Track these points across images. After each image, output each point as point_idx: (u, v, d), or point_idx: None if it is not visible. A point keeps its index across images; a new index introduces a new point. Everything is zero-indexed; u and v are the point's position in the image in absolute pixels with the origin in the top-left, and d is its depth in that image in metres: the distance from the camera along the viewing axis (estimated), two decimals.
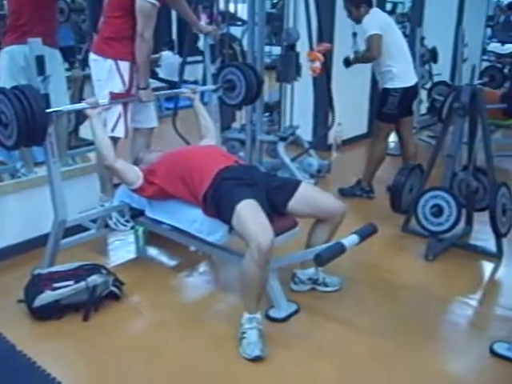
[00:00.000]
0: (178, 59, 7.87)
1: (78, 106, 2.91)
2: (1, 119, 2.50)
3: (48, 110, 2.57)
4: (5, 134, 2.54)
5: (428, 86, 6.44)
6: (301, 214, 2.81)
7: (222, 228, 2.71)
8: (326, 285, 3.01)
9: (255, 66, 4.00)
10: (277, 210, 2.73)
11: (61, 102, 3.14)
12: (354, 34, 4.45)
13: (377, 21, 4.03)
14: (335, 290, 3.01)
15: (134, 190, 3.01)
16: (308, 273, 2.98)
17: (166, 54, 8.15)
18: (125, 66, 3.07)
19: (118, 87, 3.08)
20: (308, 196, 2.76)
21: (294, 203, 2.72)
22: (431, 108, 6.26)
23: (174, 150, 3.12)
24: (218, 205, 2.63)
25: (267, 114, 5.04)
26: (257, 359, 2.40)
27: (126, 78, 3.08)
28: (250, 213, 2.48)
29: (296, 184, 2.79)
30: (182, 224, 2.94)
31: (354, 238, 2.45)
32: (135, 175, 2.96)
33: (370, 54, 4.05)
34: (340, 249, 2.35)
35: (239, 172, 2.78)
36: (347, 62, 4.36)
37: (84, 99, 3.64)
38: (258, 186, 2.71)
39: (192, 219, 2.86)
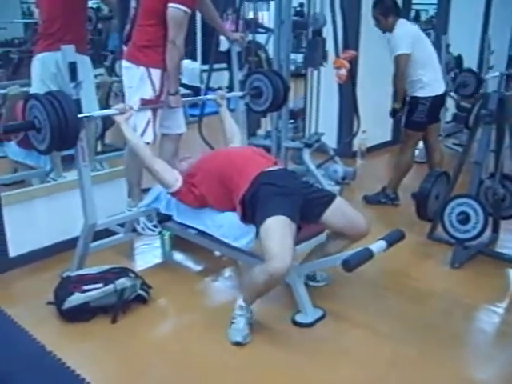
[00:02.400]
0: (197, 65, 8.03)
1: (108, 112, 2.95)
2: (34, 124, 2.56)
3: (80, 115, 2.62)
4: (38, 139, 2.60)
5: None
6: (332, 227, 2.80)
7: (249, 234, 2.73)
8: (317, 280, 3.12)
9: (281, 73, 4.01)
10: (311, 221, 2.73)
11: (91, 107, 3.19)
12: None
13: (407, 36, 4.02)
14: (325, 285, 3.11)
15: (172, 194, 3.00)
16: None
17: (186, 62, 8.29)
18: (156, 73, 3.11)
19: (149, 94, 3.12)
20: (343, 210, 2.75)
21: (329, 215, 2.71)
22: (456, 115, 6.23)
23: (212, 152, 3.13)
24: (254, 209, 2.64)
25: (292, 121, 5.06)
26: (237, 344, 2.56)
27: (157, 84, 3.13)
28: (277, 231, 2.47)
29: (332, 196, 2.78)
30: (208, 229, 2.96)
31: (382, 243, 2.44)
32: (174, 178, 2.95)
33: (398, 76, 4.05)
34: (368, 254, 2.35)
35: (278, 178, 2.76)
36: (394, 112, 4.32)
37: (111, 105, 3.72)
38: (295, 196, 2.68)
39: (219, 224, 2.89)
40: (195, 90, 7.46)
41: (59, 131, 2.49)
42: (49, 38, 3.49)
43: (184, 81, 8.05)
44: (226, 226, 2.86)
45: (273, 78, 3.65)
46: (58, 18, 3.47)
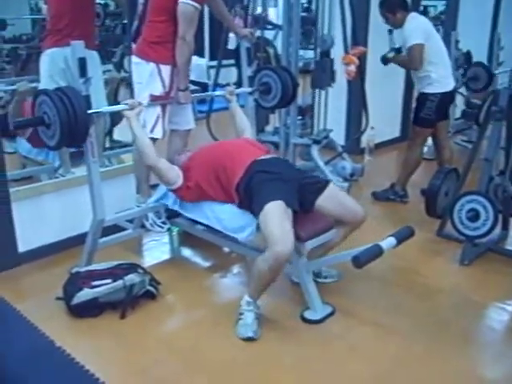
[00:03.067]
0: (204, 62, 8.03)
1: (117, 107, 2.95)
2: (44, 120, 2.56)
3: (90, 111, 2.62)
4: (47, 135, 2.59)
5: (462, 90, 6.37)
6: (327, 213, 2.81)
7: (250, 226, 2.74)
8: (325, 277, 3.10)
9: (290, 69, 4.00)
10: (305, 207, 2.74)
11: (100, 103, 3.19)
12: (390, 31, 4.43)
13: (420, 28, 3.99)
14: (333, 282, 3.08)
15: (173, 190, 3.03)
16: None
17: (194, 58, 8.29)
18: (166, 69, 3.12)
19: (158, 90, 3.13)
20: (337, 195, 2.79)
21: (323, 201, 2.75)
22: (466, 112, 6.19)
23: (207, 145, 3.16)
24: (251, 197, 2.67)
25: (300, 117, 5.04)
26: (249, 340, 2.55)
27: (167, 80, 3.13)
28: (276, 216, 2.51)
29: (326, 182, 2.82)
30: (210, 221, 2.97)
31: (392, 240, 2.43)
32: (175, 174, 2.98)
33: (411, 64, 4.03)
34: (378, 251, 2.35)
35: (272, 165, 2.80)
36: (385, 60, 4.34)
37: (119, 101, 3.72)
38: (290, 182, 2.73)
39: (219, 216, 2.91)
40: (203, 86, 7.46)
41: (69, 127, 2.49)
42: (57, 33, 3.49)
43: (192, 77, 8.07)
44: (226, 218, 2.87)
45: (282, 74, 3.63)
46: (67, 13, 3.47)
